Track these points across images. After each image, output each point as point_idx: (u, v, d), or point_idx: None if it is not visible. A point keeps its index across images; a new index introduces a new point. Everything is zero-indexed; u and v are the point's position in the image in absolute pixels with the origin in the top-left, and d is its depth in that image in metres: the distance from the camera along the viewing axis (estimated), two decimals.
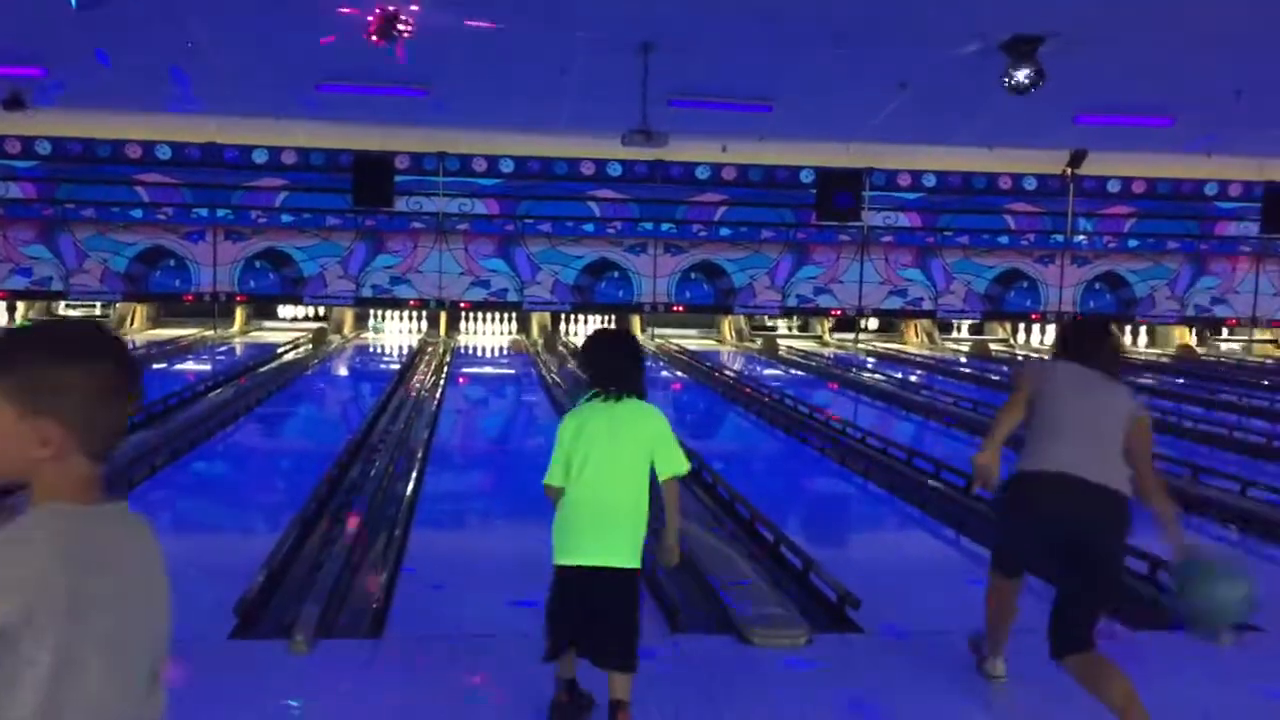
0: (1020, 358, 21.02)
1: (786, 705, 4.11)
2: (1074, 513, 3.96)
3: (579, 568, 3.63)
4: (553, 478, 3.66)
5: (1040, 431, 4.15)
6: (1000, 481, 4.23)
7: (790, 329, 24.54)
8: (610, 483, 3.62)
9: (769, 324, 24.17)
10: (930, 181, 20.78)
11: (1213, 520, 7.67)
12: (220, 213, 19.22)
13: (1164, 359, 21.22)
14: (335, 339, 21.03)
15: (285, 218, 19.42)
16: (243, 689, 4.11)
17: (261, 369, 15.40)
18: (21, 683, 1.40)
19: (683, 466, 3.72)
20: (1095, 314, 20.67)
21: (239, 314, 22.36)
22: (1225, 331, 24.17)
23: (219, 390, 12.78)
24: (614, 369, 3.73)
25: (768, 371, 18.13)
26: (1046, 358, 5.23)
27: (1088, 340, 4.33)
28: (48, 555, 1.43)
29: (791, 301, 21.38)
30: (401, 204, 19.46)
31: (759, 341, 22.10)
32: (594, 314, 22.70)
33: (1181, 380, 17.24)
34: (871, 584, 5.58)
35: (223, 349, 19.63)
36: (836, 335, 23.70)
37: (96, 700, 1.48)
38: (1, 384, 1.48)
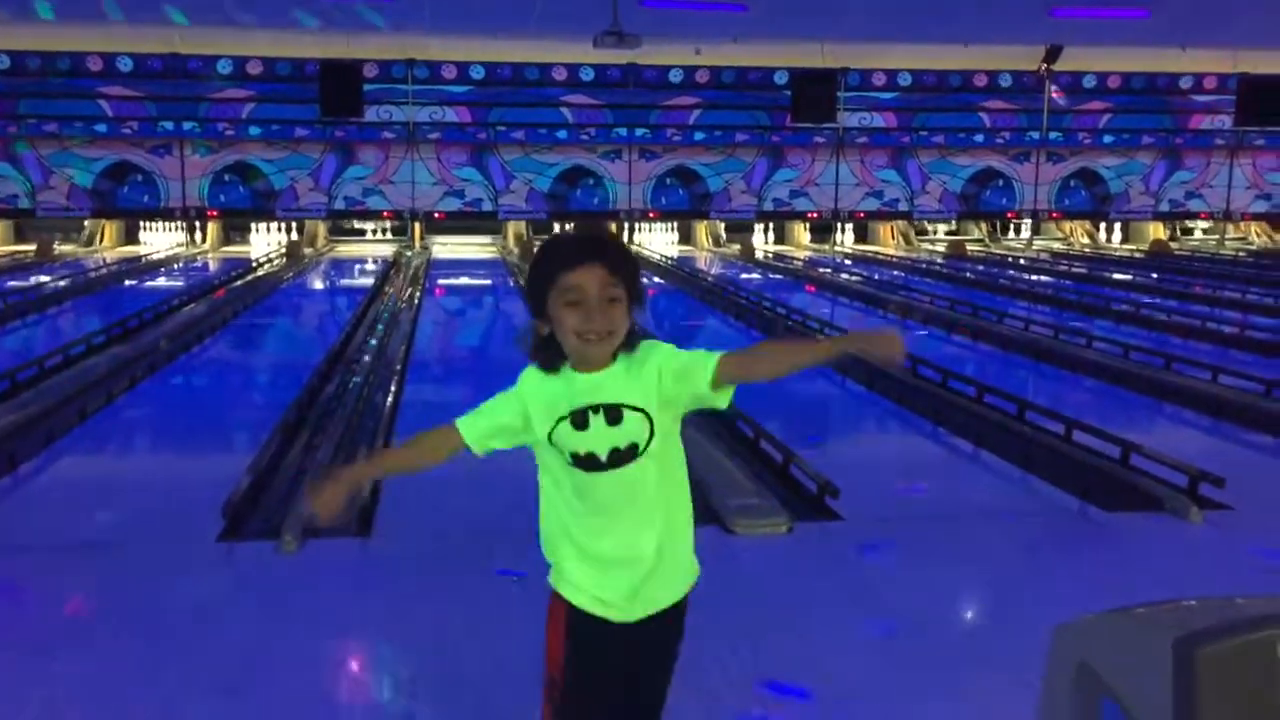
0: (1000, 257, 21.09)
1: (771, 592, 4.20)
2: None
3: None
4: None
5: None
6: None
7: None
8: None
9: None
10: (905, 80, 20.59)
11: (1186, 406, 7.81)
12: (186, 125, 18.89)
13: (1138, 254, 21.32)
14: (308, 251, 20.82)
15: (253, 130, 19.12)
16: (233, 588, 4.16)
17: (237, 283, 15.28)
18: None
19: None
20: None
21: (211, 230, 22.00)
22: (1198, 232, 24.20)
23: (193, 305, 12.73)
24: None
25: (745, 275, 18.11)
26: None
27: None
28: None
29: (768, 205, 21.30)
30: (371, 114, 19.19)
31: (737, 246, 22.05)
32: (569, 222, 22.57)
33: (1155, 275, 17.35)
34: (850, 476, 5.66)
35: (198, 265, 19.43)
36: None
37: None
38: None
